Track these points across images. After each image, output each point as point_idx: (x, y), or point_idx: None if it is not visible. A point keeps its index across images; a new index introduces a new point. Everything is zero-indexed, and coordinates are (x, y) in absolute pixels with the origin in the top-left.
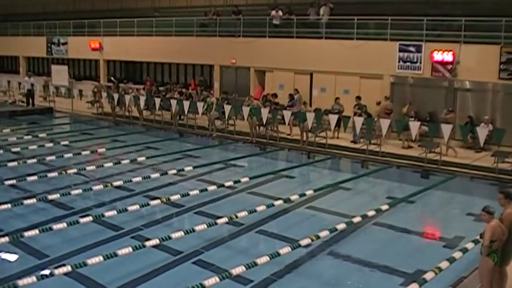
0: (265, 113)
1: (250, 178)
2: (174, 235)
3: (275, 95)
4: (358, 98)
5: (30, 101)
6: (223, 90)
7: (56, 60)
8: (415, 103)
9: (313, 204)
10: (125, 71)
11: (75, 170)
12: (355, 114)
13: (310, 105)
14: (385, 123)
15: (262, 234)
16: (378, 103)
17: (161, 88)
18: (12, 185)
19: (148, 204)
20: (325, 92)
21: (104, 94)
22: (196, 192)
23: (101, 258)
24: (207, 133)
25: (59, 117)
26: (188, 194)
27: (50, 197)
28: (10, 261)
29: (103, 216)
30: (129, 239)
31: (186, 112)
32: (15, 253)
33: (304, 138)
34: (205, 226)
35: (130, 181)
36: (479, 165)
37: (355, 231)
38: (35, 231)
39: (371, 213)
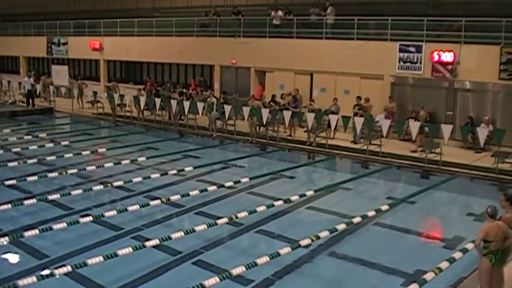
0: (265, 113)
1: (251, 178)
2: (174, 235)
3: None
4: (359, 98)
5: (31, 101)
6: (222, 90)
7: (56, 60)
8: (415, 103)
9: (313, 204)
10: (125, 71)
11: (75, 170)
12: (355, 114)
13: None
14: (385, 124)
15: (262, 235)
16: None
17: (159, 88)
18: (12, 185)
19: (148, 205)
20: (325, 92)
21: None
22: (196, 192)
23: (101, 258)
24: (207, 133)
25: (59, 117)
26: (188, 194)
27: (50, 197)
28: (10, 261)
29: (103, 216)
30: (129, 239)
31: (186, 112)
32: (15, 253)
33: (311, 139)
34: (206, 226)
35: (131, 181)
36: (480, 166)
37: (355, 232)
38: (35, 231)
39: (371, 213)
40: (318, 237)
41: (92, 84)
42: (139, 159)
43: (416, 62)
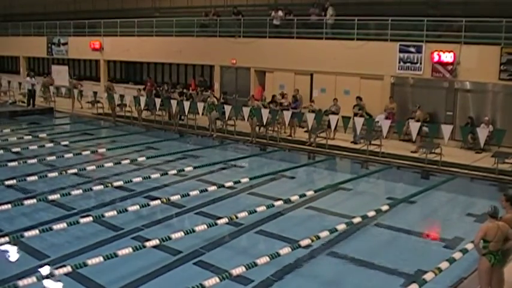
0: (265, 113)
1: (251, 178)
2: (174, 235)
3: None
4: (358, 98)
5: (31, 101)
6: (223, 90)
7: (57, 60)
8: (415, 104)
9: (313, 204)
10: (125, 71)
11: (75, 170)
12: (355, 114)
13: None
14: (385, 124)
15: (262, 235)
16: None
17: (158, 89)
18: (12, 185)
19: (148, 205)
20: (325, 93)
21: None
22: (196, 192)
23: (101, 258)
24: (207, 133)
25: (59, 117)
26: (188, 195)
27: (50, 197)
28: (10, 262)
29: (103, 216)
30: (129, 239)
31: (186, 112)
32: (15, 253)
33: (312, 139)
34: (206, 226)
35: (131, 181)
36: (480, 166)
37: (356, 232)
38: (35, 232)
39: (371, 213)
40: (318, 238)
41: (92, 84)
42: (140, 159)
43: (417, 62)
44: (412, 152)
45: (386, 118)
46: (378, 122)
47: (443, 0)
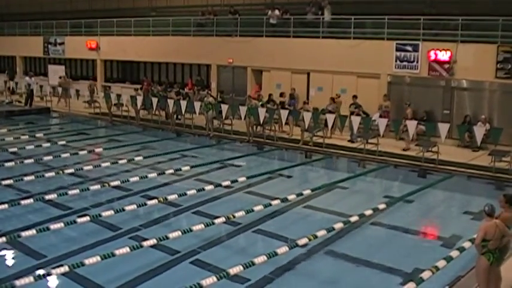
0: (262, 112)
1: (248, 177)
2: (172, 235)
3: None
4: (355, 97)
5: (29, 101)
6: (219, 89)
7: (53, 60)
8: (412, 102)
9: (311, 203)
10: (122, 70)
11: (72, 170)
12: (352, 113)
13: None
14: (382, 122)
15: (260, 234)
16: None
17: (153, 89)
18: (9, 185)
19: (145, 204)
20: (322, 92)
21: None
22: (193, 191)
23: (99, 258)
24: (204, 133)
25: (56, 117)
26: (185, 194)
27: (47, 197)
28: (7, 262)
29: (100, 216)
30: (126, 239)
31: (183, 112)
32: (12, 253)
33: (308, 138)
34: (203, 226)
35: (128, 181)
36: (476, 164)
37: (353, 231)
38: (32, 231)
39: (368, 212)
40: (316, 236)
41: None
42: (137, 158)
43: (413, 61)
44: (403, 150)
45: (381, 116)
46: (374, 120)
47: None
